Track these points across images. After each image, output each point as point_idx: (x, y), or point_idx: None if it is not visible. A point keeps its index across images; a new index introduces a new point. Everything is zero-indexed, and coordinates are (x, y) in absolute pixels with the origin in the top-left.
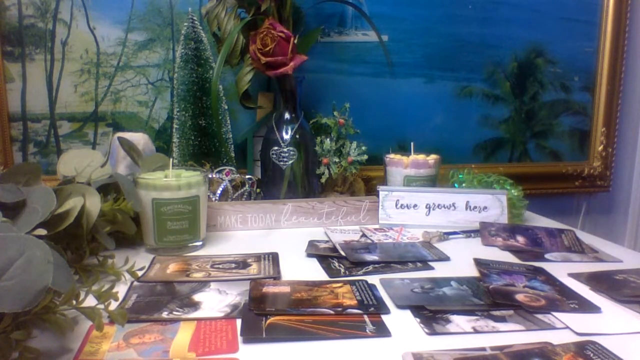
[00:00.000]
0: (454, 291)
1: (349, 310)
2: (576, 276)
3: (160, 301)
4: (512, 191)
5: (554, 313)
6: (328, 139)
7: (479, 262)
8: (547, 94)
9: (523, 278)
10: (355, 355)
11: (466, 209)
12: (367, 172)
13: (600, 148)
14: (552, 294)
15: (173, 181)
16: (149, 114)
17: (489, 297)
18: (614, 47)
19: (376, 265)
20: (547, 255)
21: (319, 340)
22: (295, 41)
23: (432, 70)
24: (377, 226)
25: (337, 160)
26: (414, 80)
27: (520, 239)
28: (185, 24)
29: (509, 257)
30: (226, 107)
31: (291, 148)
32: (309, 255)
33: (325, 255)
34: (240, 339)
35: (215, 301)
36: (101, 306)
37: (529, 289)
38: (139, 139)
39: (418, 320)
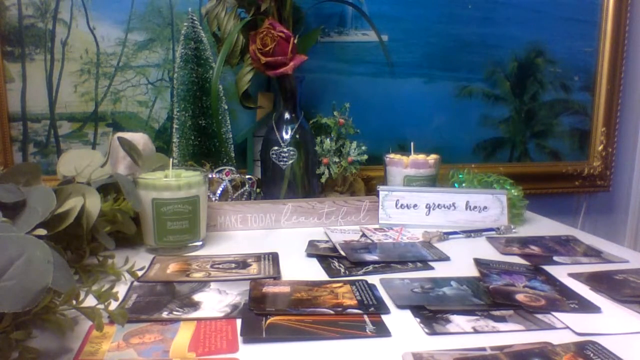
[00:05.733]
0: (454, 291)
1: (349, 310)
2: (576, 276)
3: (160, 301)
4: (512, 191)
5: (554, 313)
6: (328, 139)
7: (479, 262)
8: (547, 93)
9: (523, 278)
10: (355, 355)
11: (466, 208)
12: (367, 172)
13: (600, 148)
14: (552, 294)
15: (173, 181)
16: (149, 114)
17: (489, 297)
18: (614, 47)
19: (376, 265)
20: (555, 258)
21: (319, 340)
22: (295, 41)
23: (432, 70)
24: (377, 226)
25: (337, 160)
26: (414, 80)
27: (535, 247)
28: (185, 24)
29: (510, 258)
30: (226, 107)
31: (291, 148)
32: (309, 255)
33: (325, 255)
34: (240, 339)
35: (215, 301)
36: (101, 306)
37: (529, 289)
38: (138, 139)
39: (418, 320)
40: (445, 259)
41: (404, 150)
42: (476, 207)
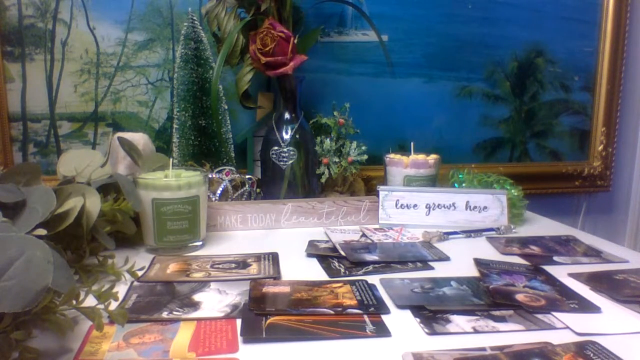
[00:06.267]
0: (454, 291)
1: (349, 310)
2: (576, 276)
3: (160, 301)
4: (512, 191)
5: (554, 313)
6: (328, 139)
7: (479, 262)
8: (547, 93)
9: (523, 278)
10: (355, 355)
11: (466, 209)
12: (367, 172)
13: (600, 148)
14: (552, 294)
15: (173, 181)
16: (149, 114)
17: (489, 297)
18: (614, 47)
19: (376, 265)
20: (555, 258)
21: (319, 340)
22: (295, 41)
23: (432, 70)
24: (377, 226)
25: (337, 160)
26: (414, 80)
27: (535, 247)
28: (185, 24)
29: (511, 258)
30: (226, 107)
31: (291, 148)
32: (309, 255)
33: (325, 255)
34: (240, 339)
35: (215, 301)
36: (101, 306)
37: (529, 289)
38: (138, 139)
39: (418, 320)
40: (445, 259)
41: (404, 150)
42: (476, 207)
